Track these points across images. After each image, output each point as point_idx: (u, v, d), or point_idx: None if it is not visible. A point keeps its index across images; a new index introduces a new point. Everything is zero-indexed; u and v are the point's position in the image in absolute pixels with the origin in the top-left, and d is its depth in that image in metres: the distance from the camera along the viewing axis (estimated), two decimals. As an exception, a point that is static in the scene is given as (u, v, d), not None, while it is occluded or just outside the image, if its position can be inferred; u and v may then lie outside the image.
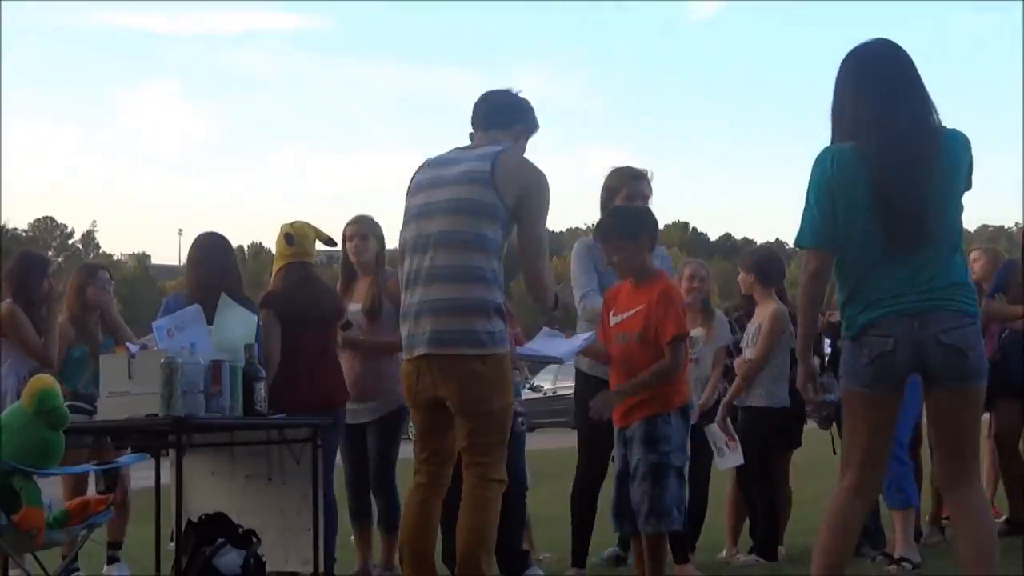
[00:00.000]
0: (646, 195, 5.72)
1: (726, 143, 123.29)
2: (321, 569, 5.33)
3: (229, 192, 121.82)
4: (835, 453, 6.55)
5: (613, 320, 4.86)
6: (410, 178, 4.46)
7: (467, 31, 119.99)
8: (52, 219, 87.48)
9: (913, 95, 3.64)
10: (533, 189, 4.28)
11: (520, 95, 4.55)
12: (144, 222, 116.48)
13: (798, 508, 7.34)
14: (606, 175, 5.82)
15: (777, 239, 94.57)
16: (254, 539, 4.94)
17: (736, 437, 6.09)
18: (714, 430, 6.23)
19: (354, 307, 6.15)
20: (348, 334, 6.16)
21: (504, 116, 4.48)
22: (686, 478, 4.78)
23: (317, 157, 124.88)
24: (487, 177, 4.22)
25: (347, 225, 6.31)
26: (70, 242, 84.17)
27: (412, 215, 4.36)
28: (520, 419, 6.43)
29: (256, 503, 5.57)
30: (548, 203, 4.31)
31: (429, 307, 4.23)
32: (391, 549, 6.16)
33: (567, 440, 7.10)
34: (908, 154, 3.56)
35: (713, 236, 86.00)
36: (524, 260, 4.35)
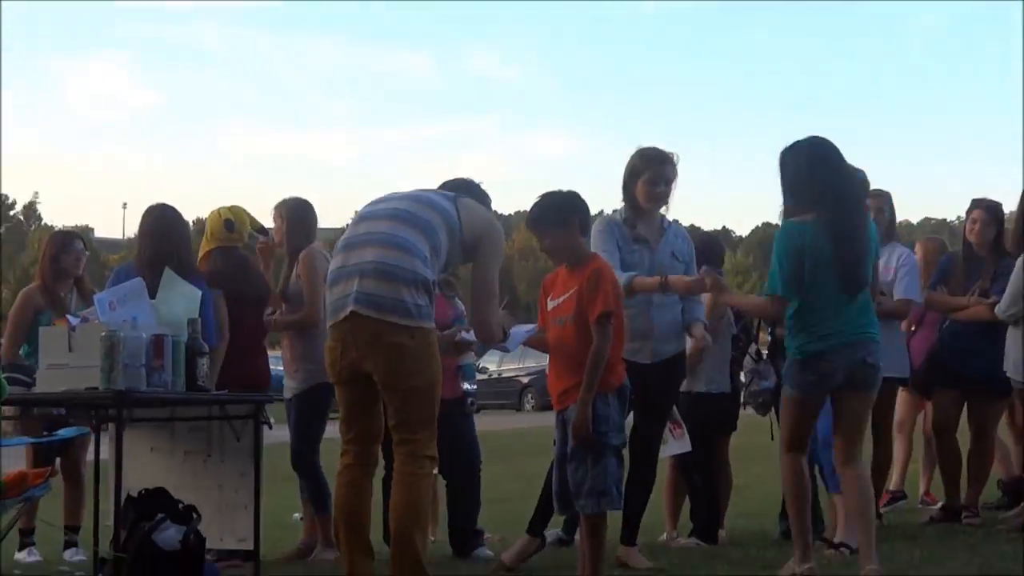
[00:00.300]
0: (670, 179, 5.67)
1: (677, 131, 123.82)
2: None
3: (175, 167, 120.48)
4: (772, 439, 6.64)
5: (550, 305, 4.87)
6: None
7: (420, 10, 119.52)
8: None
9: (849, 175, 5.07)
10: (494, 234, 4.53)
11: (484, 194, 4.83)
12: (88, 195, 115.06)
13: (738, 493, 7.41)
14: (630, 156, 5.73)
15: (724, 227, 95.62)
16: (194, 515, 4.90)
17: (683, 424, 6.13)
18: None
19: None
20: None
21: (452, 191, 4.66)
22: (623, 458, 4.78)
23: (264, 133, 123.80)
24: (450, 207, 4.44)
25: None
26: (11, 213, 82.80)
27: (351, 229, 4.46)
28: (471, 400, 6.45)
29: (194, 480, 5.53)
30: (502, 251, 4.61)
31: (358, 269, 4.25)
32: (325, 527, 6.16)
33: (511, 422, 7.12)
34: (853, 221, 4.90)
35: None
36: (473, 302, 4.52)
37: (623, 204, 5.70)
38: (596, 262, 4.84)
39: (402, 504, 4.21)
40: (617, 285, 4.82)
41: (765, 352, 6.49)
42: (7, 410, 4.95)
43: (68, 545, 6.58)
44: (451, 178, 4.90)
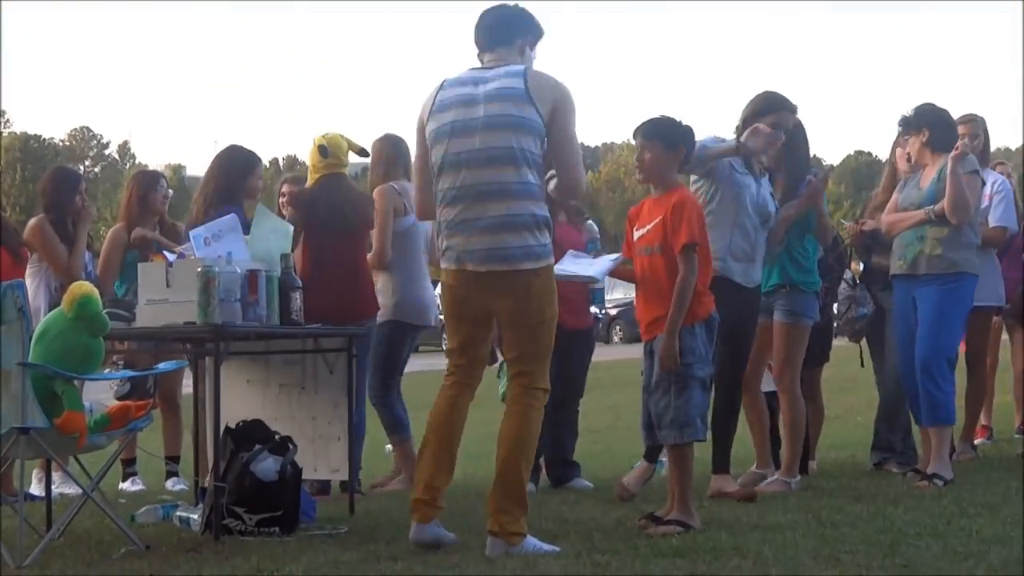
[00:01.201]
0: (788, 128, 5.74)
1: (766, 50, 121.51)
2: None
3: (264, 104, 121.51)
4: (862, 366, 6.57)
5: (636, 235, 4.87)
6: (427, 100, 4.46)
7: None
8: (89, 129, 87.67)
9: None
10: (564, 100, 4.38)
11: (516, 6, 4.55)
12: (179, 133, 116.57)
13: (829, 424, 7.37)
14: (755, 96, 5.78)
15: (815, 156, 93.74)
16: (291, 446, 5.00)
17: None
18: None
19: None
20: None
21: (503, 32, 4.49)
22: (709, 389, 4.78)
23: (356, 70, 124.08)
24: (523, 94, 4.29)
25: (280, 183, 6.48)
26: (106, 152, 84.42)
27: (443, 133, 4.36)
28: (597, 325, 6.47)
29: (288, 411, 5.65)
30: (574, 107, 4.41)
31: (481, 224, 4.27)
32: (406, 453, 6.32)
33: (599, 354, 7.12)
34: None
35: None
36: (558, 157, 4.40)
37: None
38: (681, 192, 4.82)
39: (513, 434, 4.28)
40: (702, 216, 4.82)
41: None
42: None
43: (169, 475, 6.78)
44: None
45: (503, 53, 4.46)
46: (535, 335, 4.33)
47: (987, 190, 6.38)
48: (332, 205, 5.98)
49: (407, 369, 6.58)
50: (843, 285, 6.32)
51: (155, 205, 6.77)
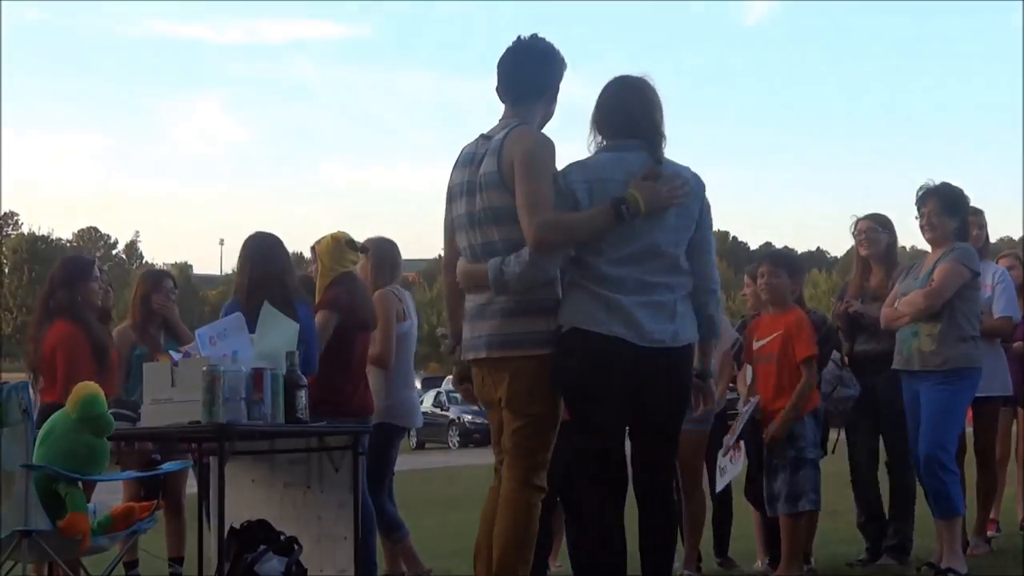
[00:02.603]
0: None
1: (766, 151, 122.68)
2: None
3: (270, 202, 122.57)
4: (832, 452, 6.55)
5: (756, 344, 5.94)
6: (450, 173, 4.39)
7: (498, 38, 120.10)
8: (96, 229, 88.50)
9: None
10: (519, 156, 4.07)
11: (540, 50, 4.30)
12: (186, 232, 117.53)
13: (835, 519, 7.27)
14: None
15: (818, 248, 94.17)
16: (296, 546, 4.95)
17: (741, 445, 6.03)
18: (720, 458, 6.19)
19: None
20: None
21: (525, 89, 4.29)
22: (819, 468, 5.80)
23: (359, 167, 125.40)
24: (496, 177, 4.13)
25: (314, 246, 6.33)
26: (114, 252, 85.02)
27: (457, 224, 4.32)
28: None
29: (294, 511, 5.58)
30: (539, 164, 4.07)
31: (488, 311, 4.19)
32: (400, 553, 6.34)
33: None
34: None
35: (753, 244, 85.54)
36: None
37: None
38: (797, 312, 5.88)
39: (510, 533, 4.12)
40: (814, 333, 5.85)
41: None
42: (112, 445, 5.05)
43: None
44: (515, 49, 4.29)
45: (520, 111, 4.27)
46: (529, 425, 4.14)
47: (988, 280, 6.39)
48: (367, 305, 6.09)
49: (401, 467, 6.57)
50: (831, 365, 6.30)
51: (156, 305, 6.76)
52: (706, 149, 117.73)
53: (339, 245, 6.11)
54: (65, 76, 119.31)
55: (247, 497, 5.66)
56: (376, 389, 6.32)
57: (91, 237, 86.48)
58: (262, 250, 5.80)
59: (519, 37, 4.33)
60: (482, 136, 4.34)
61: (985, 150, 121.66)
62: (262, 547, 4.86)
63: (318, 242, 6.27)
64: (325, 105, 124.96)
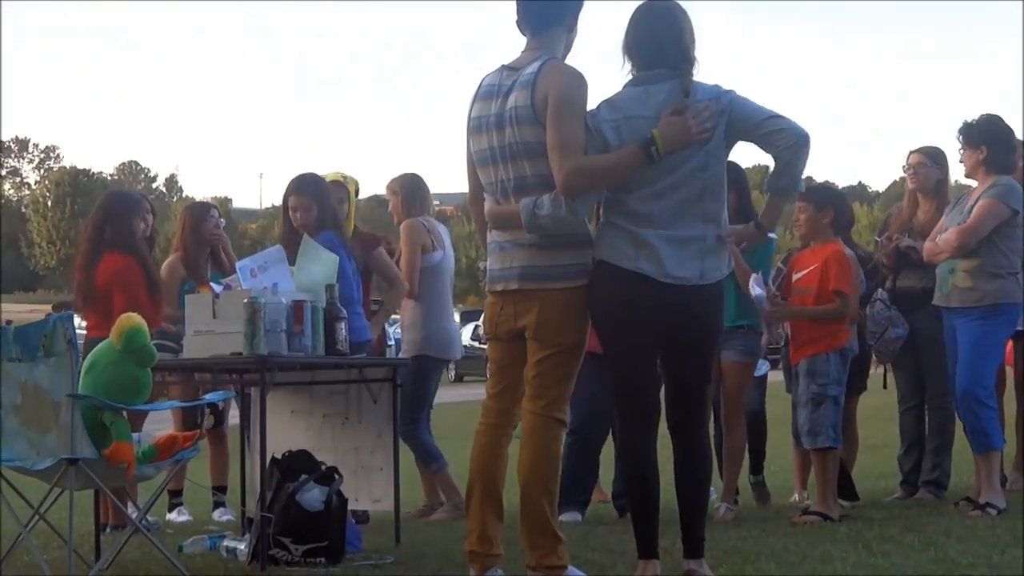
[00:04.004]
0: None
1: (805, 80, 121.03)
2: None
3: (309, 137, 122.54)
4: (885, 388, 6.54)
5: (794, 277, 5.85)
6: (470, 104, 4.34)
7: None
8: (136, 163, 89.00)
9: None
10: (554, 94, 4.05)
11: None
12: (226, 166, 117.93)
13: (875, 453, 7.27)
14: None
15: (860, 182, 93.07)
16: (336, 476, 5.01)
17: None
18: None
19: None
20: None
21: (543, 20, 4.23)
22: (841, 405, 5.69)
23: (402, 101, 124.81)
24: (529, 111, 4.09)
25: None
26: (154, 186, 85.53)
27: (481, 159, 4.28)
28: None
29: (332, 442, 5.66)
30: (571, 104, 4.05)
31: (515, 243, 4.20)
32: (441, 482, 6.48)
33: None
34: None
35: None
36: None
37: None
38: (834, 246, 5.74)
39: (529, 467, 4.16)
40: (850, 268, 5.69)
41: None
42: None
43: (216, 505, 6.81)
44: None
45: (541, 41, 4.22)
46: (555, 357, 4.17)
47: None
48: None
49: (441, 400, 6.64)
50: (880, 305, 6.26)
51: (206, 235, 6.83)
52: (742, 73, 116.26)
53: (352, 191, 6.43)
54: (101, 10, 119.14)
55: (287, 428, 5.74)
56: (412, 321, 6.37)
57: (131, 171, 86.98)
58: (318, 188, 6.02)
59: None
60: (505, 67, 4.28)
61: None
62: (303, 476, 4.93)
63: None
64: (356, 39, 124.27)
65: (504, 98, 4.20)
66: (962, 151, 5.85)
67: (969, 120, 5.86)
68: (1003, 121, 5.85)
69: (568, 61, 4.28)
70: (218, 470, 6.86)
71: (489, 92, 4.28)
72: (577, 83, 4.12)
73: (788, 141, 4.05)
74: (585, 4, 4.32)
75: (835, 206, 5.85)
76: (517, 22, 4.30)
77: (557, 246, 4.14)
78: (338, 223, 6.01)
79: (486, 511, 4.24)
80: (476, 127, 4.31)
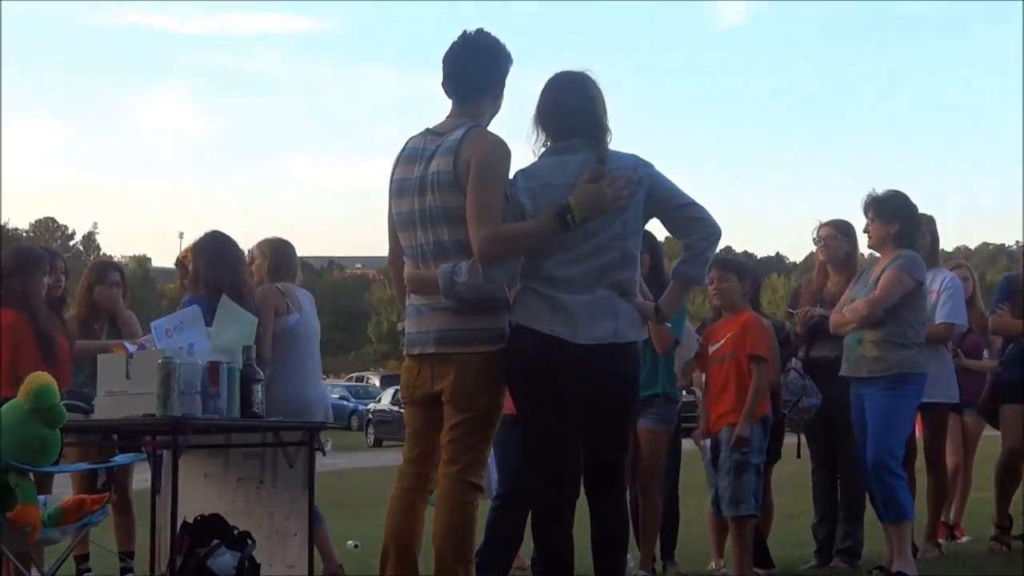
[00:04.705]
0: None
1: (726, 156, 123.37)
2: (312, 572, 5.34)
3: (231, 196, 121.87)
4: (799, 457, 6.64)
5: (711, 348, 5.94)
6: (392, 166, 4.36)
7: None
8: (53, 220, 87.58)
9: None
10: (476, 160, 4.07)
11: (486, 45, 4.28)
12: (145, 225, 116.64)
13: (793, 521, 7.32)
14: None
15: (777, 253, 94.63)
16: (249, 541, 4.93)
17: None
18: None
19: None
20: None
21: (472, 85, 4.27)
22: (762, 474, 5.84)
23: (321, 162, 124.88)
24: (451, 177, 4.11)
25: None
26: (71, 243, 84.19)
27: (401, 221, 4.30)
28: None
29: (245, 506, 5.56)
30: (492, 172, 4.08)
31: (431, 307, 4.21)
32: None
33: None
34: None
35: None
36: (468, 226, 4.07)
37: None
38: (748, 314, 5.89)
39: (448, 532, 4.13)
40: (767, 334, 5.89)
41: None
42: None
43: (124, 571, 6.63)
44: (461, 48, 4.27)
45: (467, 111, 4.26)
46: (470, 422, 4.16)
47: (935, 287, 6.49)
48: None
49: (359, 464, 6.52)
50: (793, 374, 6.35)
51: (98, 297, 6.70)
52: (668, 152, 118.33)
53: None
54: (24, 63, 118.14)
55: (200, 491, 5.64)
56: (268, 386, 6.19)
57: (48, 228, 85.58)
58: (217, 252, 5.95)
59: (464, 32, 4.32)
60: (429, 131, 4.31)
61: (956, 156, 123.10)
62: (215, 541, 4.83)
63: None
64: (288, 99, 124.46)
65: (427, 162, 4.22)
66: (870, 224, 5.96)
67: (877, 194, 5.97)
68: (909, 199, 6.00)
69: (493, 127, 4.32)
70: (124, 535, 6.69)
71: (412, 155, 4.29)
72: (500, 151, 4.15)
73: (704, 233, 4.14)
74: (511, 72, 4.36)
75: (753, 278, 6.11)
76: (442, 84, 4.33)
77: (473, 311, 4.14)
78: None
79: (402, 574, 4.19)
80: (398, 190, 4.32)
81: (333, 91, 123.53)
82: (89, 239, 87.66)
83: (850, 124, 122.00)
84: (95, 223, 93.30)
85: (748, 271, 6.12)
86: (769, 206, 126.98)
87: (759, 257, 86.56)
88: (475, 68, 4.28)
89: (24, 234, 79.20)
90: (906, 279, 5.74)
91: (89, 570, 6.68)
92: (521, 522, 6.24)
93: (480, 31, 4.32)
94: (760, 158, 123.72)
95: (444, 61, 4.31)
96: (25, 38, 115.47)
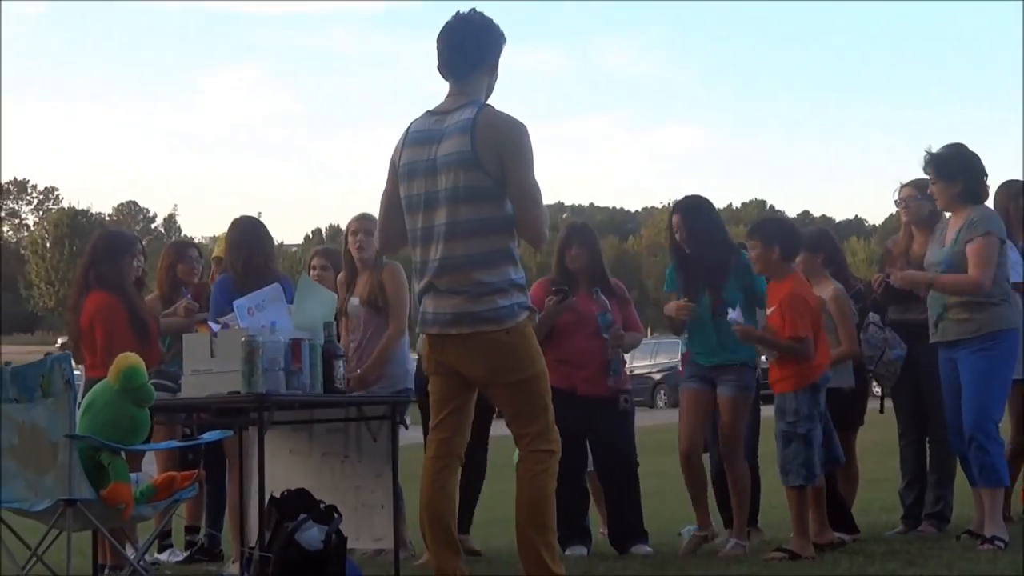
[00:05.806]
0: None
1: (805, 119, 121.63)
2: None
3: (308, 175, 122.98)
4: (882, 412, 6.50)
5: (768, 311, 5.78)
6: (395, 151, 4.40)
7: (550, 8, 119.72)
8: (135, 203, 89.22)
9: None
10: (511, 145, 4.20)
11: (478, 23, 4.35)
12: (224, 205, 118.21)
13: (876, 487, 7.22)
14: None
15: (856, 216, 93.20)
16: (335, 514, 4.99)
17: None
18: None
19: (355, 300, 6.08)
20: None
21: (468, 63, 4.33)
22: (811, 443, 5.52)
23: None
24: (471, 157, 4.17)
25: (351, 221, 6.22)
26: (152, 226, 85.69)
27: (411, 204, 4.32)
28: (623, 397, 6.39)
29: (331, 480, 5.63)
30: (529, 153, 4.23)
31: (449, 289, 4.23)
32: None
33: (643, 419, 7.08)
34: None
35: (791, 214, 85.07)
36: (515, 209, 4.20)
37: None
38: (789, 284, 5.63)
39: (522, 503, 4.20)
40: (806, 307, 5.58)
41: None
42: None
43: (189, 545, 6.72)
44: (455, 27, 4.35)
45: (465, 87, 4.33)
46: (519, 393, 4.24)
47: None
48: None
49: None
50: (873, 328, 6.22)
51: (181, 275, 6.83)
52: (743, 116, 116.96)
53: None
54: (103, 49, 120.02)
55: (286, 467, 5.72)
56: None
57: (130, 211, 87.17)
58: (247, 236, 6.13)
59: (457, 12, 4.37)
60: (430, 112, 4.36)
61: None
62: (302, 515, 4.89)
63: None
64: (363, 74, 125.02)
65: (437, 144, 4.26)
66: (933, 185, 5.81)
67: (936, 152, 5.80)
68: (969, 149, 5.81)
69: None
70: (193, 509, 6.78)
71: (418, 139, 4.33)
72: (527, 133, 4.26)
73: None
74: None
75: (780, 240, 5.69)
76: (439, 67, 4.38)
77: (488, 292, 4.19)
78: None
79: (438, 546, 4.27)
80: (408, 173, 4.34)
81: (407, 67, 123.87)
82: (170, 221, 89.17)
83: (930, 84, 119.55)
84: (175, 205, 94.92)
85: (774, 233, 5.72)
86: (847, 168, 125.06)
87: (837, 221, 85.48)
88: (468, 43, 4.34)
89: (108, 217, 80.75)
90: (993, 241, 5.60)
91: (171, 546, 6.80)
92: (581, 489, 6.26)
93: (473, 10, 4.38)
94: (836, 120, 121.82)
95: (438, 41, 4.37)
96: (103, 24, 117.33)
